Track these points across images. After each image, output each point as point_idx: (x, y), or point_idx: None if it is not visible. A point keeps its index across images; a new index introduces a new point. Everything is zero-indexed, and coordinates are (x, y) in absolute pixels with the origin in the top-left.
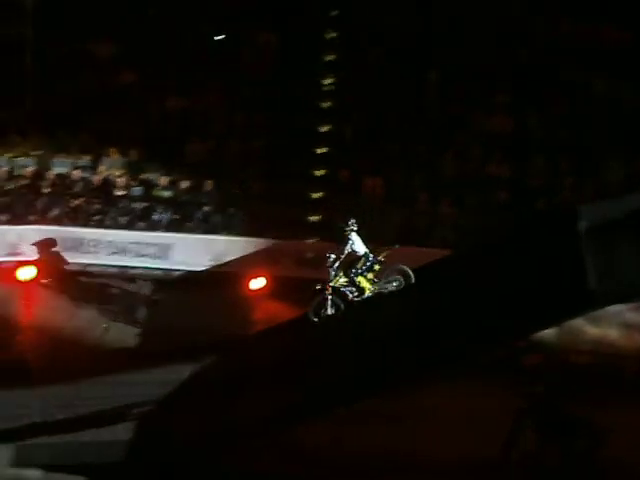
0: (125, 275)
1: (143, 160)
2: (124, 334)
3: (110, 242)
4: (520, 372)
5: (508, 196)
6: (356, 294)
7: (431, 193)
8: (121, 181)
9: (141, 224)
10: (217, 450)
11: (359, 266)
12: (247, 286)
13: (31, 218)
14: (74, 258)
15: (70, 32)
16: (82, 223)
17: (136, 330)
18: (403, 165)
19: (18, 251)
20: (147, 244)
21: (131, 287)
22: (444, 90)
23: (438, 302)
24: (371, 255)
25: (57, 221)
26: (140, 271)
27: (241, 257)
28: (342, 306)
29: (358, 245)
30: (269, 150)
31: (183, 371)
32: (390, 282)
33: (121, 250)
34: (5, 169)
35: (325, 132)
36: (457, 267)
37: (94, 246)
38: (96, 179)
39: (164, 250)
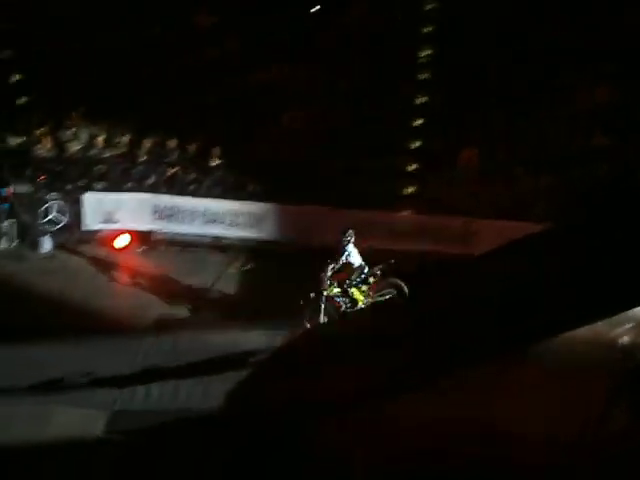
0: (218, 244)
1: (239, 130)
2: (215, 302)
3: (204, 211)
4: (612, 350)
5: (611, 168)
6: (349, 305)
7: (530, 165)
8: (216, 150)
9: (235, 193)
10: (308, 421)
11: (353, 277)
12: None
13: (127, 186)
14: (169, 226)
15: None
16: (177, 191)
17: (228, 299)
18: (501, 137)
19: (114, 219)
20: (240, 213)
21: (224, 256)
22: (545, 60)
23: (530, 277)
24: (366, 267)
25: (153, 189)
26: (233, 241)
27: (332, 228)
28: (335, 316)
29: (354, 256)
30: (364, 121)
31: (274, 340)
32: (383, 295)
33: (215, 219)
34: (102, 137)
35: (421, 104)
36: (550, 241)
37: (188, 215)
38: (191, 148)
39: (257, 220)
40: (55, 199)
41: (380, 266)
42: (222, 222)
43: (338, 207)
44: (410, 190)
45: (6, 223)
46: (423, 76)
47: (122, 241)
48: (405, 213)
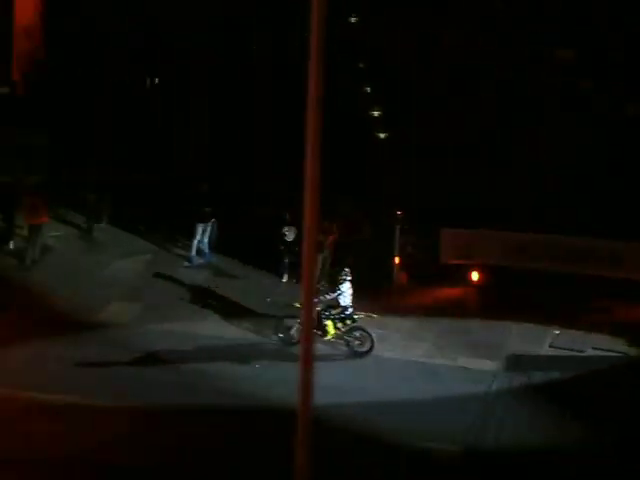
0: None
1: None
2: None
3: (558, 247)
4: None
5: None
6: (319, 333)
7: None
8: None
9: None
10: None
11: (335, 313)
12: None
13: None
14: (517, 261)
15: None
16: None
17: None
18: None
19: (470, 254)
20: (596, 251)
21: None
22: None
23: None
24: (350, 310)
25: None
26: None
27: None
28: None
29: (345, 297)
30: None
31: None
32: (352, 338)
33: (570, 256)
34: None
35: None
36: None
37: (536, 250)
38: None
39: (615, 258)
40: (410, 233)
41: (362, 314)
42: (576, 259)
43: None
44: None
45: None
46: None
47: (476, 275)
48: None
